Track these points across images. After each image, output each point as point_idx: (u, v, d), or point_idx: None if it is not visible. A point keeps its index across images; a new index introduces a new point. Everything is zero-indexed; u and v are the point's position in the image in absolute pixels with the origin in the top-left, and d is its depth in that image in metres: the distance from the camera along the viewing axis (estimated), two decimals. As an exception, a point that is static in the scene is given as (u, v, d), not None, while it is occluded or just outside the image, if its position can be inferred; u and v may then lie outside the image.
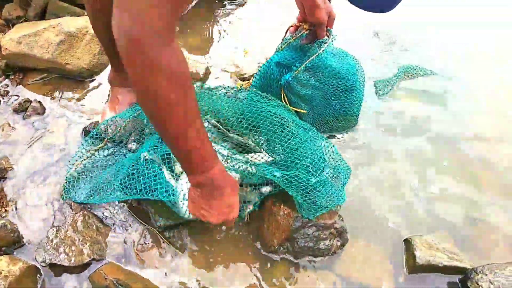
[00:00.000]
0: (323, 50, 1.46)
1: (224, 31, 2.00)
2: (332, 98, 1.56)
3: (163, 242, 1.34)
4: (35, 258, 1.26)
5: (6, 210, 1.38)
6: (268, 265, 1.31)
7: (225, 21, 2.04)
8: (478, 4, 2.25)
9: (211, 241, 1.35)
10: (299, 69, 1.44)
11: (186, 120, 0.91)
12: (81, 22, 1.74)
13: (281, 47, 1.52)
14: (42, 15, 1.90)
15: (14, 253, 1.29)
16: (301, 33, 1.48)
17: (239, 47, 1.93)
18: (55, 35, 1.69)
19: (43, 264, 1.25)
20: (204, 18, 2.04)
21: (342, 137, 1.65)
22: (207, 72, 1.79)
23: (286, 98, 1.51)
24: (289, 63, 1.48)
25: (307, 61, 1.44)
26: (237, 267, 1.31)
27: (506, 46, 2.13)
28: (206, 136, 0.99)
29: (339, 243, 1.32)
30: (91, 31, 1.72)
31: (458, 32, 2.15)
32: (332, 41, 1.49)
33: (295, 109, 1.50)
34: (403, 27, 2.11)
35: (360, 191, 1.49)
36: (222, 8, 2.11)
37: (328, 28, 1.48)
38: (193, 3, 2.08)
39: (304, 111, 1.51)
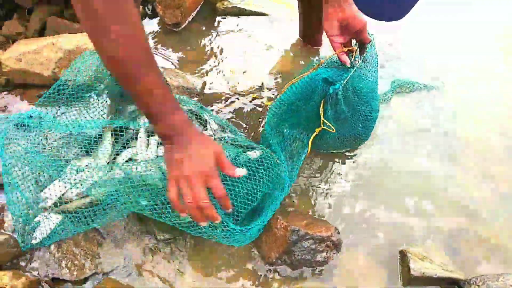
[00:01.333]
0: (364, 54, 1.44)
1: (220, 46, 2.04)
2: (359, 122, 1.56)
3: (163, 256, 1.37)
4: (38, 273, 1.29)
5: (4, 225, 1.40)
6: (267, 277, 1.34)
7: (221, 36, 2.08)
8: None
9: (210, 254, 1.38)
10: (348, 77, 1.39)
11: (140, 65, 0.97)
12: (79, 39, 1.78)
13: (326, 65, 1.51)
14: (41, 32, 1.93)
15: (17, 268, 1.31)
16: (353, 57, 1.45)
17: (235, 63, 1.97)
18: (55, 52, 1.72)
19: (46, 278, 1.28)
20: (200, 33, 2.08)
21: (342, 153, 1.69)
22: (204, 87, 1.83)
23: (323, 111, 1.44)
24: (335, 80, 1.43)
25: (353, 70, 1.41)
26: (236, 280, 1.34)
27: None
28: (163, 83, 1.02)
29: (335, 255, 1.35)
30: (90, 47, 1.75)
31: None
32: (371, 44, 1.46)
33: (325, 127, 1.45)
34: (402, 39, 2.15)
35: (356, 204, 1.53)
36: (218, 24, 2.15)
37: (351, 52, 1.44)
38: (190, 18, 2.11)
39: (333, 130, 1.44)
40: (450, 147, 1.73)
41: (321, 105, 1.41)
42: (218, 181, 1.05)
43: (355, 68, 1.42)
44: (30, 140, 1.39)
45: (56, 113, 1.47)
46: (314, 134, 1.46)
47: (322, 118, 1.41)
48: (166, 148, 1.09)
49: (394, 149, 1.71)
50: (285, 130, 1.52)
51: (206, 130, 1.50)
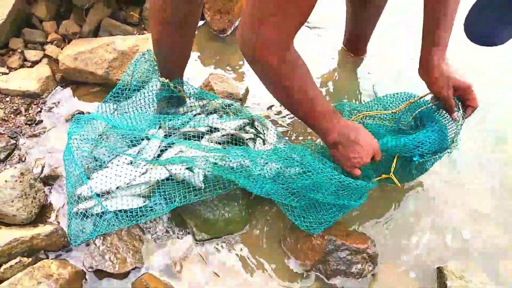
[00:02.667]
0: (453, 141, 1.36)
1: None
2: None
3: (201, 255, 1.41)
4: (83, 263, 1.35)
5: (57, 216, 1.48)
6: (301, 285, 1.36)
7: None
8: None
9: (245, 257, 1.41)
10: (427, 159, 1.36)
11: (307, 98, 1.19)
12: (132, 41, 1.86)
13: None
14: (95, 32, 2.03)
15: (63, 257, 1.38)
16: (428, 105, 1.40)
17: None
18: (109, 52, 1.80)
19: (90, 269, 1.34)
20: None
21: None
22: (247, 92, 1.86)
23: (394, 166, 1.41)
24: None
25: (436, 155, 1.35)
26: (269, 285, 1.36)
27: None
28: (323, 101, 1.23)
29: (370, 268, 1.36)
30: (141, 49, 1.83)
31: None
32: (463, 119, 1.35)
33: (394, 179, 1.41)
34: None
35: (392, 217, 1.52)
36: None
37: (459, 103, 1.36)
38: (235, 25, 2.16)
39: (399, 186, 1.43)
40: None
41: (395, 160, 1.39)
42: (380, 154, 1.32)
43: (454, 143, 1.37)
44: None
45: (112, 110, 1.58)
46: (379, 178, 1.41)
47: (391, 173, 1.40)
48: (337, 152, 1.29)
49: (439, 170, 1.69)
50: None
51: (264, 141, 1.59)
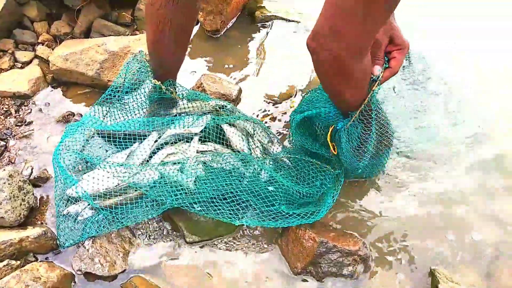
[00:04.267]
0: (372, 91, 1.28)
1: (257, 54, 2.06)
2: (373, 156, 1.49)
3: (192, 258, 1.40)
4: (72, 266, 1.34)
5: (46, 218, 1.47)
6: (292, 287, 1.35)
7: (258, 44, 2.11)
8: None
9: (237, 260, 1.40)
10: (350, 121, 1.32)
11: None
12: (123, 42, 1.84)
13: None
14: (87, 33, 2.01)
15: (52, 260, 1.37)
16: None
17: (271, 71, 1.98)
18: (100, 53, 1.79)
19: (79, 272, 1.33)
20: (238, 41, 2.11)
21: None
22: (240, 93, 1.86)
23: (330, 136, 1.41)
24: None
25: (359, 109, 1.29)
26: (262, 287, 1.35)
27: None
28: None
29: (362, 270, 1.35)
30: (133, 50, 1.82)
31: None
32: (378, 77, 1.28)
33: (332, 145, 1.41)
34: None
35: (385, 219, 1.51)
36: (256, 32, 2.18)
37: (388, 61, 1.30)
38: (228, 26, 2.15)
39: (334, 153, 1.42)
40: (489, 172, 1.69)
41: (330, 130, 1.40)
42: None
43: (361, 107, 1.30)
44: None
45: (105, 112, 1.59)
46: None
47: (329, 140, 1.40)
48: None
49: (430, 167, 1.68)
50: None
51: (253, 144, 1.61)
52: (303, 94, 1.88)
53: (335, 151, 1.41)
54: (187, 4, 1.36)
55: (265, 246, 1.43)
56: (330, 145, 1.40)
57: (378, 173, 1.61)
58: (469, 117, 1.83)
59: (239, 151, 1.55)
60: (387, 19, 1.12)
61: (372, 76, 1.27)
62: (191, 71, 1.96)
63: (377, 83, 1.27)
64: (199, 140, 1.57)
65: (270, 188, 1.39)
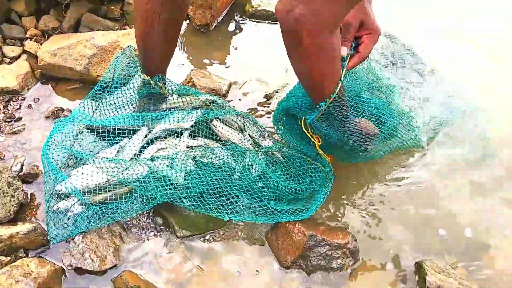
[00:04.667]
0: (341, 76, 1.25)
1: (247, 48, 2.06)
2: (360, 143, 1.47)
3: (182, 253, 1.41)
4: (62, 261, 1.34)
5: (36, 214, 1.47)
6: (282, 279, 1.36)
7: (248, 38, 2.11)
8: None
9: (227, 253, 1.41)
10: (318, 114, 1.30)
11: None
12: (112, 36, 1.83)
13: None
14: (76, 27, 2.00)
15: (42, 255, 1.37)
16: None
17: (261, 65, 1.99)
18: (88, 48, 1.78)
19: (69, 267, 1.33)
20: (228, 35, 2.11)
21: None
22: (229, 88, 1.86)
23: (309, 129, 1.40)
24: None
25: (330, 100, 1.25)
26: (251, 280, 1.36)
27: None
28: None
29: (351, 263, 1.37)
30: (122, 45, 1.81)
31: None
32: (345, 58, 1.27)
33: (316, 140, 1.41)
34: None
35: (374, 213, 1.53)
36: (246, 26, 2.18)
37: (355, 43, 1.29)
38: (219, 20, 2.15)
39: (318, 142, 1.41)
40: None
41: (302, 120, 1.37)
42: None
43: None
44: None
45: (94, 107, 1.59)
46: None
47: (305, 130, 1.38)
48: None
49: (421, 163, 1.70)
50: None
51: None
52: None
53: (319, 142, 1.40)
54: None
55: (255, 240, 1.45)
56: (310, 137, 1.38)
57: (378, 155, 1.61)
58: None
59: (230, 144, 1.56)
60: None
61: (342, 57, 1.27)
62: (180, 65, 1.96)
63: (345, 68, 1.26)
64: (189, 135, 1.58)
65: (260, 184, 1.40)
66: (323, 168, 1.45)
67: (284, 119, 1.48)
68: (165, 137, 1.58)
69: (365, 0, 1.26)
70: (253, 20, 2.20)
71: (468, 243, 1.48)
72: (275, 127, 1.51)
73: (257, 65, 2.00)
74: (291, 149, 1.54)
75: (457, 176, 1.67)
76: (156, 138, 1.56)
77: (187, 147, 1.54)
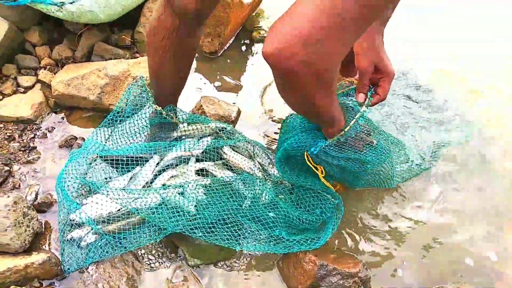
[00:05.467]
0: (354, 121, 1.28)
1: (255, 74, 2.10)
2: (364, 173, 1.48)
3: (194, 281, 1.42)
4: (76, 292, 1.36)
5: (50, 243, 1.49)
6: (293, 309, 1.37)
7: (256, 65, 2.15)
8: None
9: (239, 282, 1.43)
10: (325, 144, 1.31)
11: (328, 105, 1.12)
12: (123, 66, 1.88)
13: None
14: (88, 56, 2.05)
15: (57, 285, 1.39)
16: (348, 87, 1.37)
17: (269, 92, 2.02)
18: (101, 78, 1.83)
19: (83, 298, 1.35)
20: (236, 62, 2.15)
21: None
22: (238, 114, 1.89)
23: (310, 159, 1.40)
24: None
25: (339, 134, 1.28)
26: (263, 310, 1.38)
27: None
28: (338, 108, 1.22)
29: (362, 292, 1.37)
30: (133, 74, 1.85)
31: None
32: (366, 107, 1.29)
33: (319, 171, 1.42)
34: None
35: (384, 241, 1.55)
36: (254, 52, 2.22)
37: (372, 87, 1.30)
38: (226, 47, 2.19)
39: (318, 172, 1.41)
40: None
41: (305, 156, 1.38)
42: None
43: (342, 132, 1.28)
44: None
45: (107, 136, 1.64)
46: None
47: (309, 162, 1.39)
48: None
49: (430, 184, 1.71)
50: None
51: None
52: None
53: (323, 173, 1.40)
54: (190, 36, 1.39)
55: (267, 269, 1.46)
56: (313, 167, 1.38)
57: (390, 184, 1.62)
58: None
59: (239, 172, 1.58)
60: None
61: (357, 102, 1.30)
62: (190, 92, 2.00)
63: (363, 108, 1.28)
64: (197, 161, 1.61)
65: (271, 214, 1.42)
66: (332, 200, 1.46)
67: (285, 160, 1.47)
68: (176, 165, 1.61)
69: (378, 41, 1.24)
70: (260, 45, 2.24)
71: (484, 267, 1.49)
72: (280, 171, 1.47)
73: (264, 90, 2.03)
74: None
75: (475, 196, 1.69)
76: (168, 166, 1.59)
77: (196, 173, 1.56)
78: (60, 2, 1.74)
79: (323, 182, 1.42)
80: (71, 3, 1.74)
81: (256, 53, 2.21)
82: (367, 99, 1.29)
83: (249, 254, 1.48)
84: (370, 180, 1.58)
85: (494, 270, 1.49)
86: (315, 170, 1.40)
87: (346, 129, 1.27)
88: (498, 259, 1.52)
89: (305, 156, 1.37)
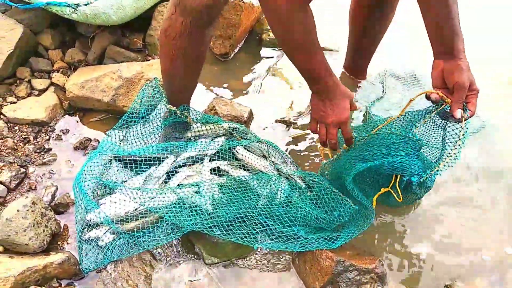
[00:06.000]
0: (459, 145, 1.30)
1: (266, 76, 2.12)
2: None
3: (211, 279, 1.43)
4: (96, 290, 1.37)
5: (68, 243, 1.51)
6: (311, 306, 1.38)
7: (266, 66, 2.17)
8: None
9: (256, 280, 1.44)
10: (432, 171, 1.35)
11: (307, 48, 1.30)
12: (136, 68, 1.90)
13: (423, 120, 1.40)
14: (100, 59, 2.08)
15: (76, 285, 1.40)
16: (443, 106, 1.32)
17: (280, 93, 2.05)
18: (114, 80, 1.85)
19: (103, 297, 1.36)
20: (246, 63, 2.18)
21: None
22: (251, 115, 1.91)
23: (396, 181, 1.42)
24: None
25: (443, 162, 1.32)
26: (280, 307, 1.39)
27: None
28: (324, 60, 1.34)
29: (379, 287, 1.38)
30: (146, 76, 1.87)
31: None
32: (465, 128, 1.30)
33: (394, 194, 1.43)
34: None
35: (402, 238, 1.56)
36: (264, 54, 2.25)
37: (466, 105, 1.29)
38: (237, 49, 2.22)
39: (399, 199, 1.43)
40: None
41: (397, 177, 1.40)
42: (348, 127, 1.43)
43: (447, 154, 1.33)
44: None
45: (122, 137, 1.66)
46: (379, 193, 1.45)
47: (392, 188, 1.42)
48: (315, 98, 1.43)
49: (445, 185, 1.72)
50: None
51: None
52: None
53: (400, 199, 1.42)
54: (201, 35, 1.42)
55: (283, 266, 1.47)
56: (396, 193, 1.41)
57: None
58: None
59: (254, 172, 1.60)
60: None
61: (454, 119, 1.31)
62: (203, 93, 2.02)
63: (464, 122, 1.30)
64: (210, 160, 1.62)
65: (289, 211, 1.43)
66: (353, 205, 1.44)
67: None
68: (190, 165, 1.63)
69: (467, 61, 1.29)
70: (270, 47, 2.26)
71: (496, 263, 1.50)
72: (350, 175, 1.43)
73: (276, 91, 2.06)
74: (317, 177, 1.56)
75: (487, 195, 1.70)
76: (181, 166, 1.61)
77: (210, 171, 1.58)
78: (75, 4, 1.77)
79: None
80: (85, 4, 1.77)
81: (266, 54, 2.23)
82: (465, 115, 1.29)
83: (265, 251, 1.50)
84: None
85: (507, 266, 1.50)
86: (396, 197, 1.42)
87: (452, 158, 1.32)
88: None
89: (394, 177, 1.40)
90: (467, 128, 1.31)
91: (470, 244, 1.55)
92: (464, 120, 1.29)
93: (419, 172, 1.35)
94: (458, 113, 1.28)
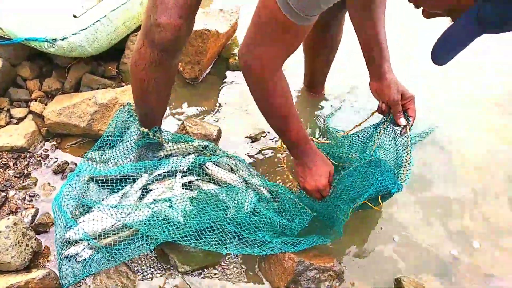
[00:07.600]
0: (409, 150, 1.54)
1: (232, 96, 2.27)
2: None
3: (185, 286, 1.54)
4: (75, 303, 1.47)
5: (48, 260, 1.60)
6: (277, 305, 1.50)
7: (232, 88, 2.32)
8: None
9: (226, 284, 1.55)
10: (404, 180, 1.50)
11: (287, 115, 1.41)
12: (111, 94, 2.02)
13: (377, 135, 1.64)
14: (77, 87, 2.19)
15: (57, 298, 1.49)
16: (390, 115, 1.57)
17: (245, 111, 2.20)
18: (90, 106, 1.97)
19: (82, 308, 1.46)
20: (215, 86, 2.33)
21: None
22: (219, 133, 2.05)
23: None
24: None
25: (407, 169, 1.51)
26: (249, 307, 1.50)
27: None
28: (301, 126, 1.46)
29: (338, 284, 1.51)
30: (120, 101, 2.00)
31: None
32: (408, 132, 1.54)
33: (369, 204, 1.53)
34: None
35: (357, 236, 1.69)
36: (230, 77, 2.41)
37: (406, 113, 1.55)
38: (205, 73, 2.37)
39: (378, 209, 1.61)
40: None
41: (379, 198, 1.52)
42: (327, 191, 1.55)
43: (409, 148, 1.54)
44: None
45: (98, 159, 1.77)
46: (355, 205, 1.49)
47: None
48: (296, 164, 1.57)
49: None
50: None
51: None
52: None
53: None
54: (167, 64, 1.55)
55: (250, 269, 1.59)
56: (378, 206, 1.55)
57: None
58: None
59: (223, 185, 1.73)
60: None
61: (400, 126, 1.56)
62: (174, 115, 2.16)
63: (408, 128, 1.54)
64: (182, 177, 1.75)
65: (254, 220, 1.56)
66: (311, 213, 1.61)
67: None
68: (163, 180, 1.74)
69: (393, 76, 1.53)
70: (236, 70, 2.42)
71: (443, 259, 1.64)
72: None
73: (242, 109, 2.20)
74: (280, 188, 1.72)
75: (434, 194, 1.85)
76: (155, 180, 1.73)
77: (182, 186, 1.70)
78: (53, 39, 1.89)
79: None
80: (62, 39, 1.89)
81: (233, 77, 2.39)
82: (409, 123, 1.55)
83: (234, 257, 1.61)
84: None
85: (455, 260, 1.65)
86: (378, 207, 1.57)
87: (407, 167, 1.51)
88: (467, 251, 1.68)
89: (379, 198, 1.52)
90: (411, 135, 1.53)
91: (421, 242, 1.70)
92: (410, 126, 1.53)
93: (394, 182, 1.47)
94: (402, 121, 1.55)
